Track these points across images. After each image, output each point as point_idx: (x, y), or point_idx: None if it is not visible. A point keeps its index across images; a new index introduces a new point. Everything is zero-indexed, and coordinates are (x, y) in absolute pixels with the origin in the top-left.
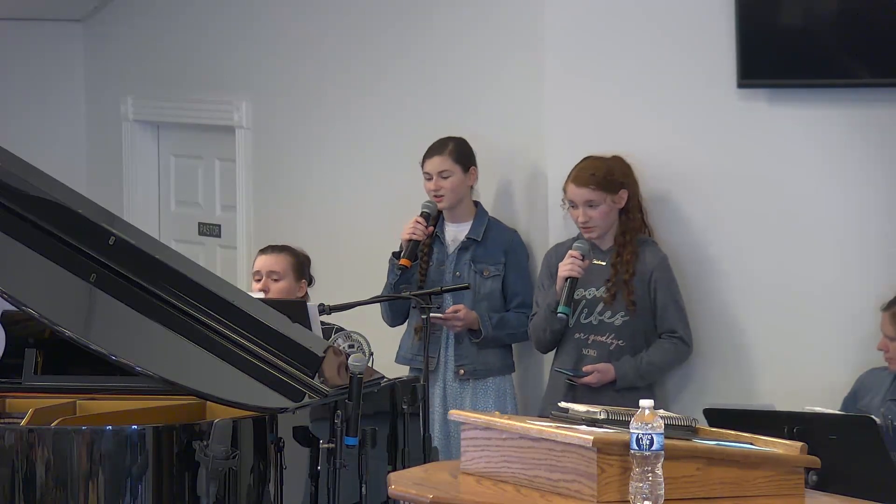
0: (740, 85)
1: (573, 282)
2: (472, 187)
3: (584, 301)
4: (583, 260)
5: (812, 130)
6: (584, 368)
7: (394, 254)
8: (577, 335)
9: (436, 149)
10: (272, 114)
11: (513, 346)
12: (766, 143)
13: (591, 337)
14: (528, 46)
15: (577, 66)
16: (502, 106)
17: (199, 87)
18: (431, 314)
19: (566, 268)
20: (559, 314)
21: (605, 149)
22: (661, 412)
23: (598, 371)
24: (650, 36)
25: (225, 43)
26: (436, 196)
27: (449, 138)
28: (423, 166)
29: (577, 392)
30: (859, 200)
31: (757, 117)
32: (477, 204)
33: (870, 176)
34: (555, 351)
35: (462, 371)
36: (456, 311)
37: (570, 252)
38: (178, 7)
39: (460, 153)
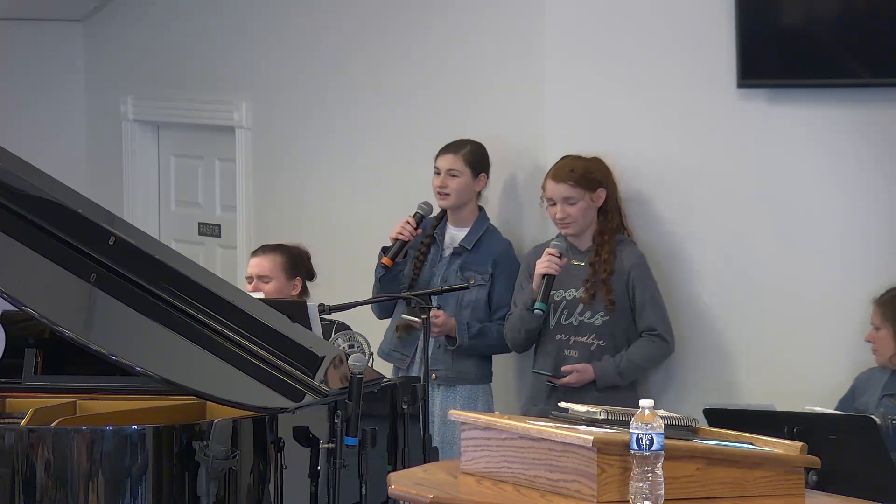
0: (740, 85)
1: (550, 279)
2: (479, 193)
3: (563, 302)
4: (560, 258)
5: (812, 130)
6: (563, 369)
7: (383, 248)
8: (558, 336)
9: (451, 147)
10: (272, 114)
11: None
12: (766, 143)
13: (573, 338)
14: (529, 47)
15: (578, 67)
16: (503, 106)
17: (199, 87)
18: (406, 316)
19: (543, 265)
20: (535, 310)
21: (605, 149)
22: (662, 412)
23: (576, 371)
24: (650, 36)
25: (225, 43)
26: (440, 193)
27: (468, 140)
28: (435, 160)
29: (557, 393)
30: (859, 200)
31: (757, 117)
32: (480, 209)
33: (870, 176)
34: (534, 354)
35: (434, 376)
36: (435, 317)
37: (547, 249)
38: (178, 7)
39: (474, 157)
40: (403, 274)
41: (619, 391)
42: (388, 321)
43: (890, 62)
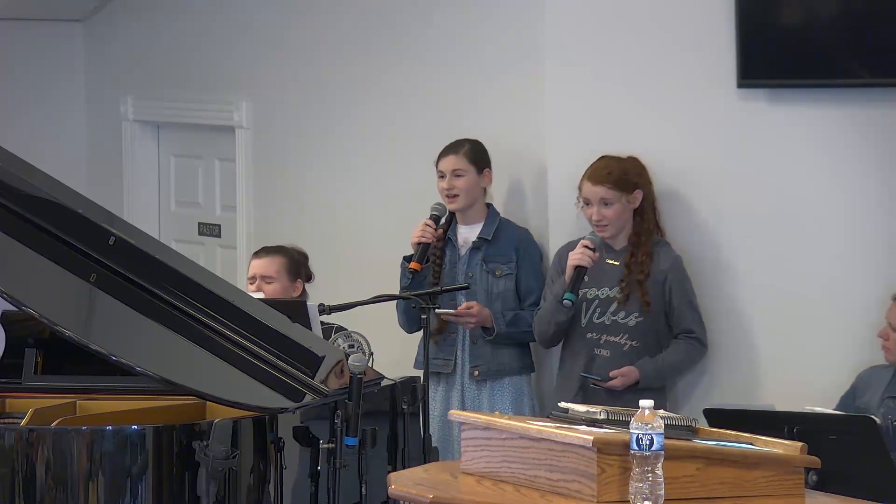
0: (740, 85)
1: (582, 271)
2: (485, 189)
3: (596, 300)
4: (594, 251)
5: (812, 130)
6: (611, 374)
7: (405, 258)
8: (589, 335)
9: (451, 148)
10: (272, 114)
11: (532, 346)
12: (766, 143)
13: (604, 337)
14: (530, 46)
15: (579, 67)
16: (504, 106)
17: (199, 87)
18: (442, 312)
19: (576, 257)
20: (564, 300)
21: (605, 148)
22: (661, 412)
23: (622, 375)
24: (650, 36)
25: (225, 43)
26: (448, 195)
27: (465, 139)
28: (437, 165)
29: (587, 393)
30: (859, 200)
31: (757, 117)
32: (489, 206)
33: (870, 176)
34: (561, 352)
35: (477, 372)
36: (469, 308)
37: (581, 241)
38: (178, 7)
39: (475, 154)
40: (425, 280)
41: (650, 392)
42: (402, 333)
43: (890, 62)
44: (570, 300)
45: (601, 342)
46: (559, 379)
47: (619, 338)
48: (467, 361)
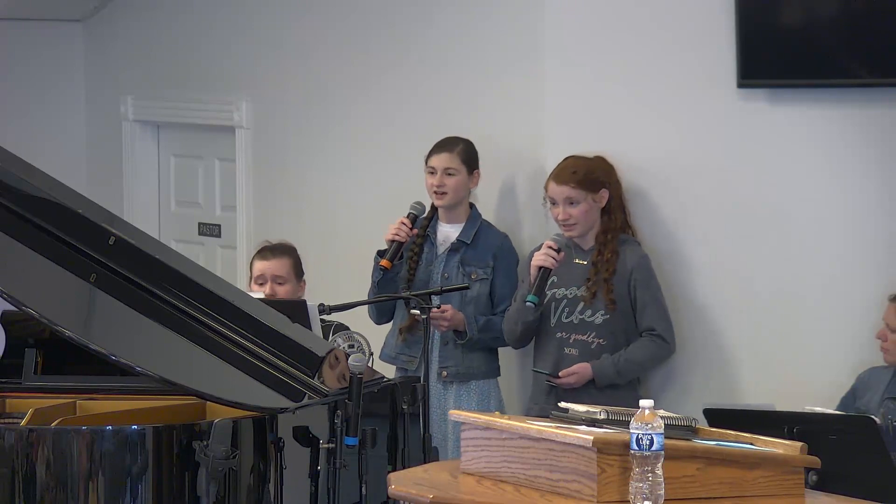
0: (740, 85)
1: (545, 272)
2: (471, 190)
3: (564, 300)
4: (558, 252)
5: (812, 130)
6: (561, 373)
7: (379, 252)
8: (558, 334)
9: (445, 145)
10: (272, 114)
11: (500, 349)
12: (766, 143)
13: (573, 336)
14: (529, 46)
15: (578, 67)
16: (503, 106)
17: (199, 87)
18: (414, 311)
19: (540, 257)
20: (527, 302)
21: (605, 148)
22: (662, 412)
23: (573, 373)
24: (650, 36)
25: (225, 43)
26: (437, 192)
27: (459, 138)
28: (427, 161)
29: (557, 392)
30: (859, 200)
31: (757, 117)
32: (472, 206)
33: (870, 176)
34: (534, 352)
35: (445, 373)
36: (443, 312)
37: (546, 242)
38: (177, 7)
39: (468, 154)
40: (399, 275)
41: (618, 390)
42: (387, 326)
43: (890, 62)
44: (532, 302)
45: (570, 341)
46: (533, 379)
47: (586, 336)
48: (435, 361)
